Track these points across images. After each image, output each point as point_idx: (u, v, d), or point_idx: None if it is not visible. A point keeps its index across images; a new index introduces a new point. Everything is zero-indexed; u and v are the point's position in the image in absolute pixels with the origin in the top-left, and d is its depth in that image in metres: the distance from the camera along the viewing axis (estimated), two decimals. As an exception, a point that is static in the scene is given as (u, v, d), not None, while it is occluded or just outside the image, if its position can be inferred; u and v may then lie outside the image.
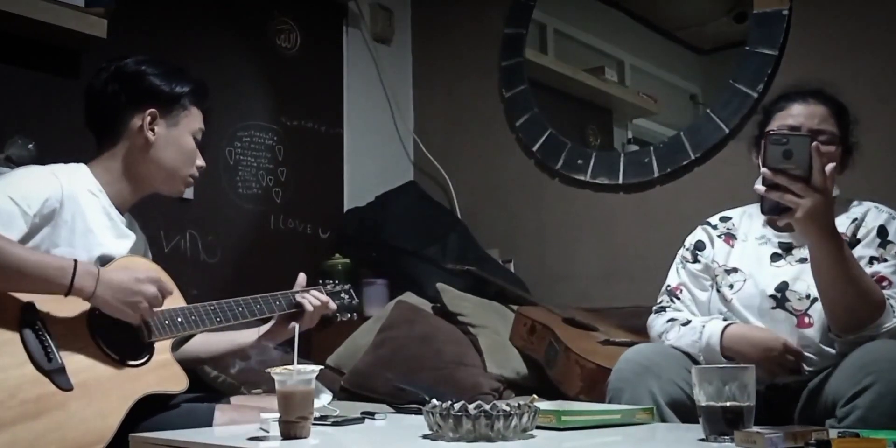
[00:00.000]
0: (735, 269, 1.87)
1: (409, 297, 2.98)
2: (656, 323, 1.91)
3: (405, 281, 3.10)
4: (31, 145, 2.40)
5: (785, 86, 1.96)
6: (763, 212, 1.64)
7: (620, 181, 3.11)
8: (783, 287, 1.79)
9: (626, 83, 3.36)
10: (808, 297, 1.75)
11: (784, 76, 2.73)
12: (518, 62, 3.39)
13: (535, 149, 3.32)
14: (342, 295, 2.04)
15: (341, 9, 3.52)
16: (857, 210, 1.82)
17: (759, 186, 1.57)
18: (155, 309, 1.65)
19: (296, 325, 1.68)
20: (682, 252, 1.99)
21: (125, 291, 1.59)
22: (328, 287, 2.00)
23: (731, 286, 1.85)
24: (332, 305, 1.95)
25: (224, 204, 3.03)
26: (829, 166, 1.55)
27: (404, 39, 3.75)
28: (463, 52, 3.59)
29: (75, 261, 1.57)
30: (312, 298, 1.90)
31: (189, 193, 2.89)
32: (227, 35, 3.11)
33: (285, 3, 3.31)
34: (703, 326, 1.78)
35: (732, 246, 1.92)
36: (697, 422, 1.33)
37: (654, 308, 1.96)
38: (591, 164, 3.18)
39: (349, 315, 2.07)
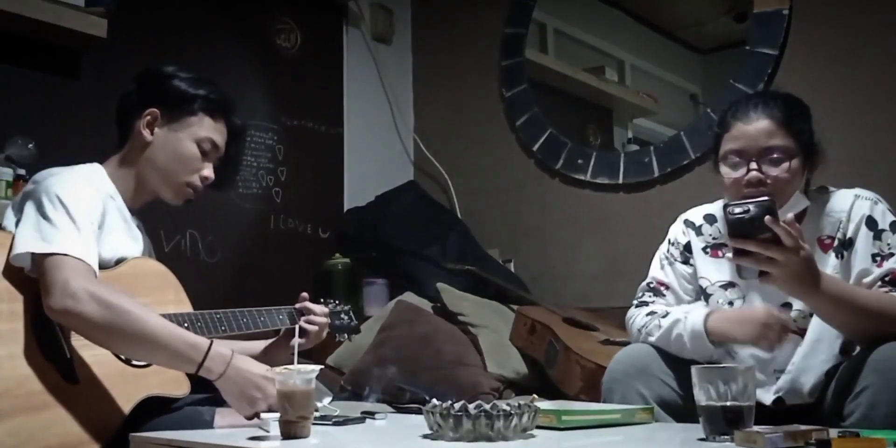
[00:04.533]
0: (731, 284, 1.80)
1: (409, 297, 2.98)
2: (637, 317, 1.85)
3: (405, 281, 3.10)
4: (31, 145, 2.40)
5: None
6: (741, 277, 1.60)
7: (620, 181, 3.11)
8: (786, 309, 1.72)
9: (627, 83, 3.36)
10: (810, 314, 1.70)
11: (784, 76, 2.74)
12: (518, 62, 3.39)
13: (535, 148, 3.31)
14: (342, 315, 2.05)
15: (341, 8, 3.52)
16: (838, 208, 1.73)
17: (731, 255, 1.54)
18: (162, 313, 1.62)
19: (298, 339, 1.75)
20: (667, 247, 1.92)
21: (250, 383, 1.55)
22: (329, 306, 1.99)
23: (731, 304, 1.79)
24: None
25: (224, 204, 3.02)
26: (789, 217, 1.51)
27: (404, 39, 3.75)
28: (463, 52, 3.59)
29: (211, 340, 1.55)
30: (315, 318, 1.90)
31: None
32: (227, 35, 3.11)
33: (285, 3, 3.31)
34: (686, 316, 1.72)
35: (723, 255, 1.83)
36: (689, 422, 1.32)
37: (635, 303, 1.90)
38: (592, 163, 3.18)
39: (346, 336, 2.08)
